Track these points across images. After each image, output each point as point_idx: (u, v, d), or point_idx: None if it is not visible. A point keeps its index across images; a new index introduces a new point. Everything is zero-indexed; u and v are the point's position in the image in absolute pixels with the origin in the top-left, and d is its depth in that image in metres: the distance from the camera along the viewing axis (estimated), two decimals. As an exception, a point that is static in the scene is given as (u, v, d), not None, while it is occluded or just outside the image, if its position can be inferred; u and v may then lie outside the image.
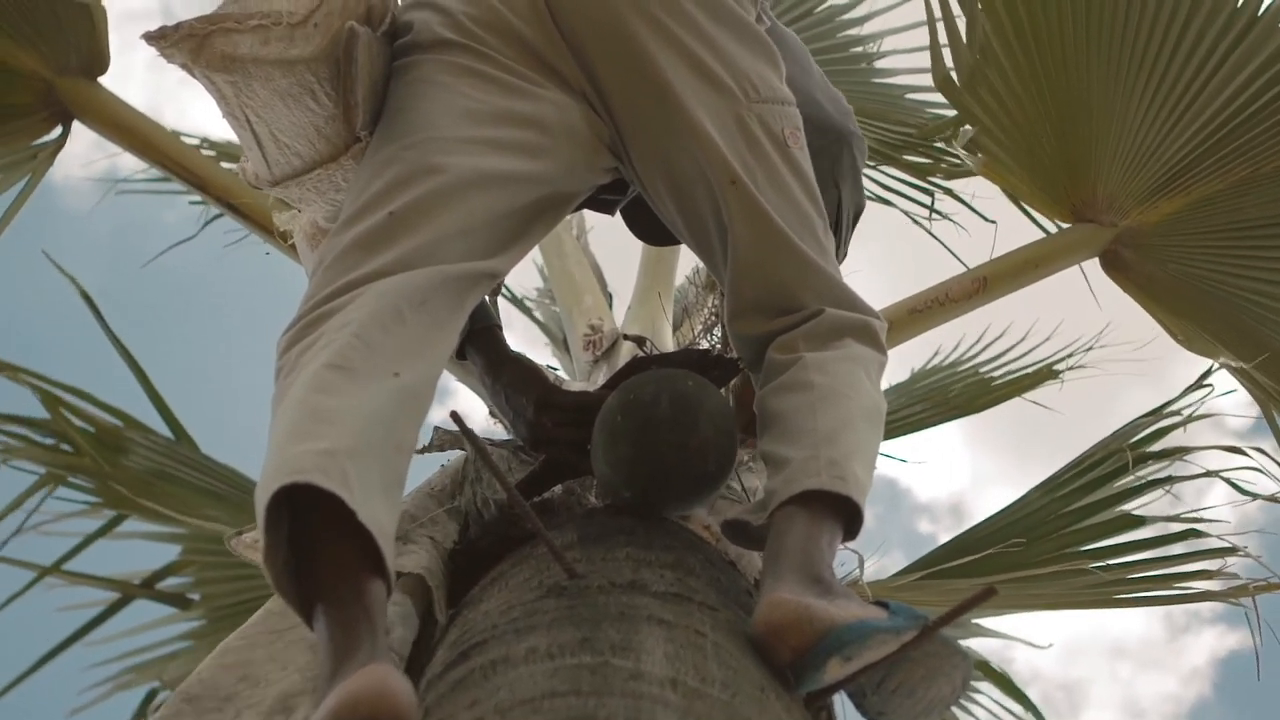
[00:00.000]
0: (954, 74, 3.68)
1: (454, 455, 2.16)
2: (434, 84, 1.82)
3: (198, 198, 3.88)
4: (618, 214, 2.27)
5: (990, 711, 4.38)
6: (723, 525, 1.74)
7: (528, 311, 5.56)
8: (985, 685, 4.31)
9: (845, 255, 2.27)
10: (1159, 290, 3.80)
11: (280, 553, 1.32)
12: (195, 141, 4.60)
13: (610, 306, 4.20)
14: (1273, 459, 3.45)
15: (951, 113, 3.99)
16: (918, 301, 3.59)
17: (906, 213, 4.35)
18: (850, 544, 1.67)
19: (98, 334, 4.06)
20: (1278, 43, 3.42)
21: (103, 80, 3.54)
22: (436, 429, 2.19)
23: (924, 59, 3.78)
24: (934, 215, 4.26)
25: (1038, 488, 3.68)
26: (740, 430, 1.91)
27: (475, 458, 1.97)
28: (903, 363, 5.10)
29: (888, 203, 4.38)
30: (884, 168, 4.36)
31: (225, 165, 3.86)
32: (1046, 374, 4.53)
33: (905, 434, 4.61)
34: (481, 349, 2.08)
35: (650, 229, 2.20)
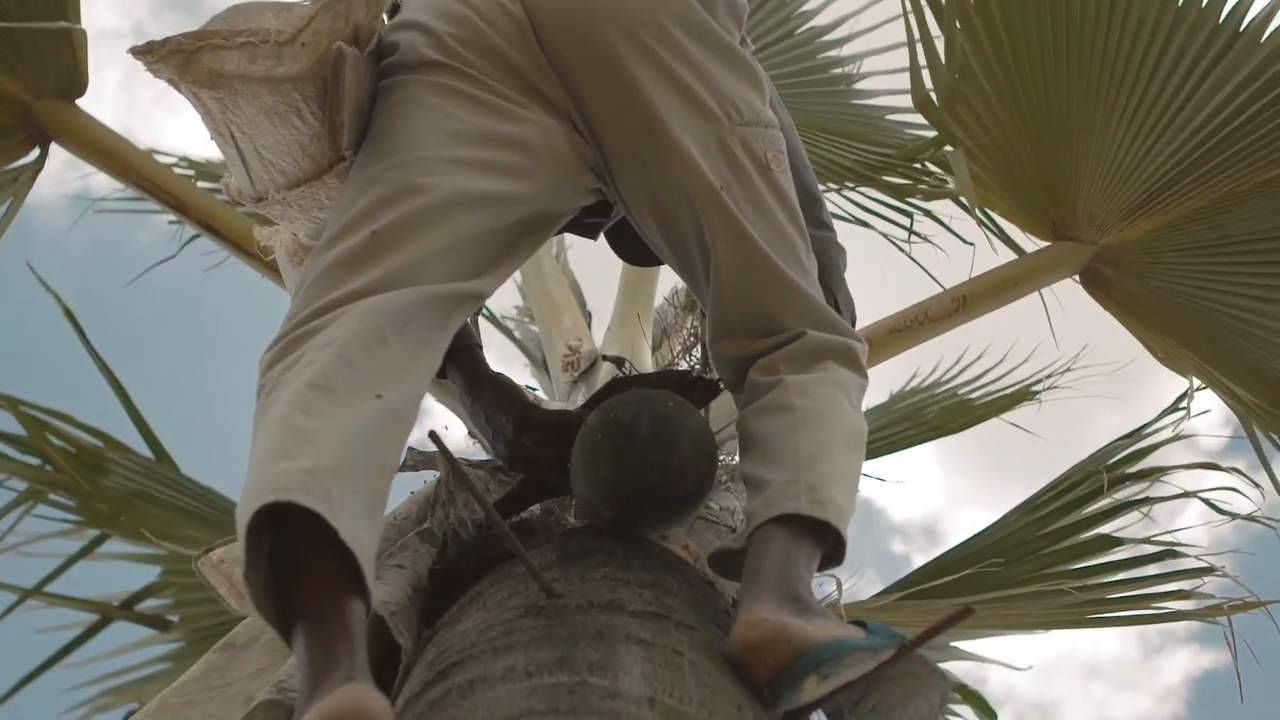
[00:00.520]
0: (933, 94, 3.68)
1: (426, 480, 2.15)
2: (419, 104, 1.82)
3: (174, 217, 3.87)
4: (600, 236, 2.28)
5: (966, 730, 4.39)
6: (709, 558, 1.73)
7: (507, 331, 5.55)
8: (961, 707, 4.32)
9: None
10: (1139, 307, 3.81)
11: (261, 572, 1.32)
12: (172, 160, 4.61)
13: (589, 327, 4.21)
14: (1248, 478, 3.48)
15: (931, 133, 4.00)
16: (897, 321, 3.58)
17: (885, 235, 4.36)
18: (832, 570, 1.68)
19: (75, 354, 4.06)
20: (1259, 59, 3.43)
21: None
22: (411, 450, 2.18)
23: (904, 80, 3.79)
24: (913, 237, 4.27)
25: (1016, 509, 3.69)
26: None
27: (453, 478, 1.96)
28: (881, 385, 5.12)
29: (867, 225, 4.39)
30: (863, 189, 4.36)
31: (203, 185, 3.86)
32: (1023, 395, 4.55)
33: (883, 454, 4.62)
34: (461, 368, 2.08)
35: (634, 250, 2.21)
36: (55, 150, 3.60)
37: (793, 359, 1.79)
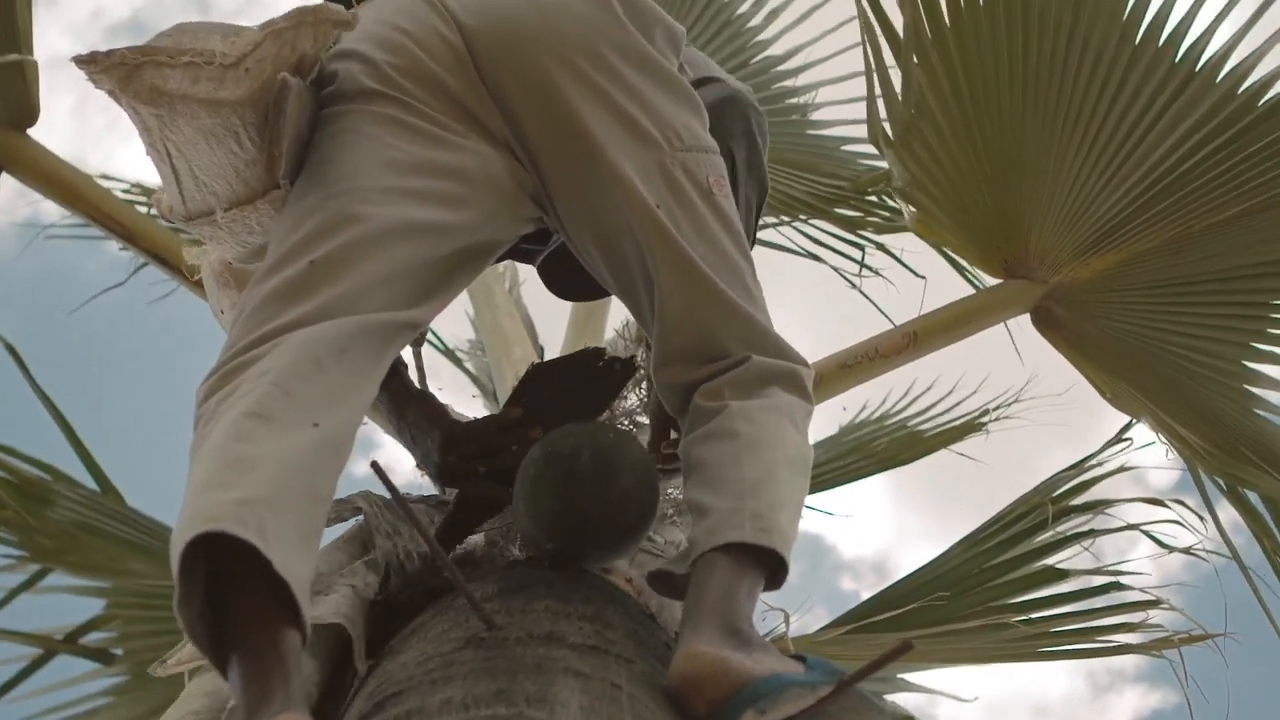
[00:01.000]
0: (888, 127, 3.70)
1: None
2: (358, 134, 1.81)
3: (123, 244, 3.85)
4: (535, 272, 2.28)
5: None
6: (648, 576, 1.73)
7: (458, 362, 5.55)
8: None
9: (754, 242, 2.25)
10: (1089, 346, 3.83)
11: (195, 602, 1.30)
12: (124, 185, 4.58)
13: (541, 358, 4.20)
14: (1194, 512, 3.49)
15: (884, 165, 4.00)
16: (848, 356, 3.59)
17: (836, 268, 4.37)
18: (774, 599, 1.67)
19: (18, 385, 4.02)
20: (1214, 99, 3.45)
21: (25, 125, 3.52)
22: (337, 502, 2.12)
23: (859, 110, 3.80)
24: (864, 271, 4.29)
25: (961, 542, 3.70)
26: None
27: (396, 510, 1.95)
28: (830, 419, 5.13)
29: (817, 258, 4.40)
30: (815, 221, 4.38)
31: (154, 212, 3.84)
32: (972, 427, 4.57)
33: (832, 487, 4.62)
34: (386, 386, 2.06)
35: (567, 285, 2.21)
36: (5, 179, 3.57)
37: (737, 384, 1.78)
